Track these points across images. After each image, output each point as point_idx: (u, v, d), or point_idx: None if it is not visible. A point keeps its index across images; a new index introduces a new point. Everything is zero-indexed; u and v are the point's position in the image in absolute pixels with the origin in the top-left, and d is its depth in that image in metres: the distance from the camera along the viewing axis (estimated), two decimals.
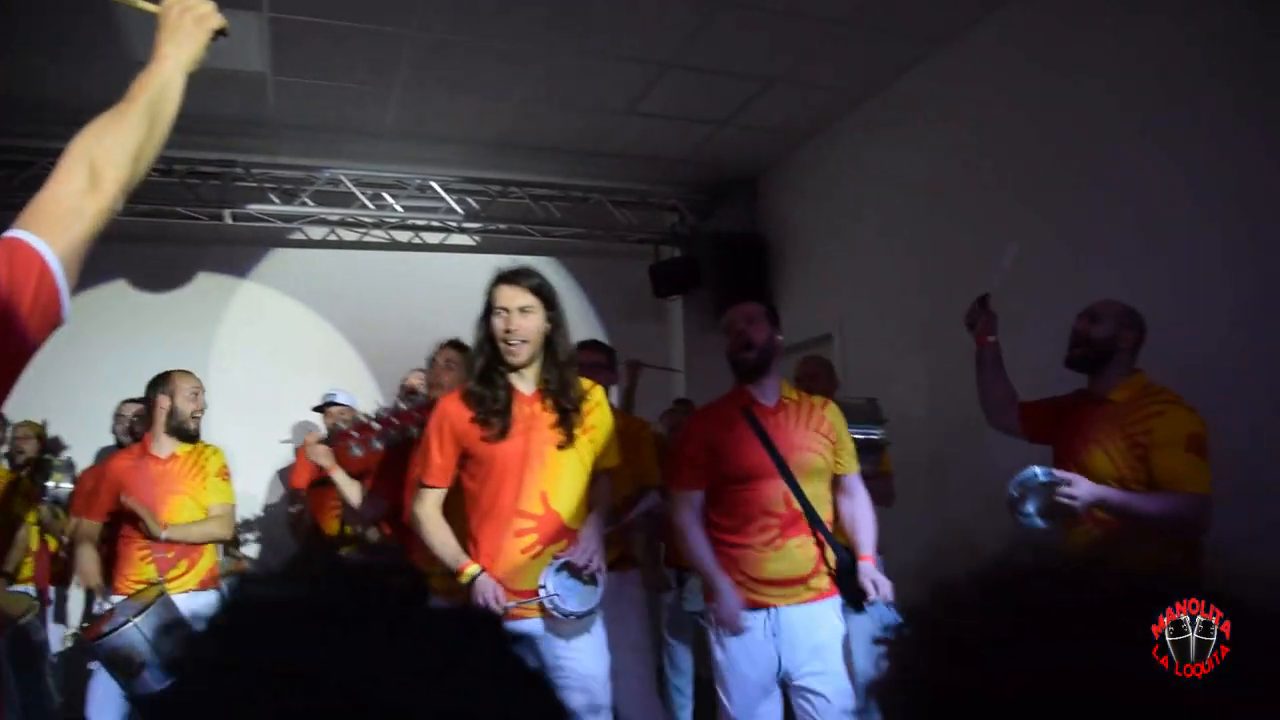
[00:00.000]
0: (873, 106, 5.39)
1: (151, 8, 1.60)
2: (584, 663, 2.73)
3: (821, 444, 3.00)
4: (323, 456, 3.51)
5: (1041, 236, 4.11)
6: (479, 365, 2.75)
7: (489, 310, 2.74)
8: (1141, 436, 2.65)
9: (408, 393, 4.58)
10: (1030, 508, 2.61)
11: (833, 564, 2.93)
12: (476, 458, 2.74)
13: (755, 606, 2.89)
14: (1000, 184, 4.39)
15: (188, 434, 3.98)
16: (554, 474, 2.74)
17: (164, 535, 3.80)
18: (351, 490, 3.56)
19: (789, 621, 2.88)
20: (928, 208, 4.92)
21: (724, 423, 3.02)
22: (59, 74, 4.67)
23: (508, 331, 2.69)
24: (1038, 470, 2.61)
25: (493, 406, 2.70)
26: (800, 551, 2.91)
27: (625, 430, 3.75)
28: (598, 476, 2.85)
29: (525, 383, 2.76)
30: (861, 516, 3.05)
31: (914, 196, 5.03)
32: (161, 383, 3.99)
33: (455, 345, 3.59)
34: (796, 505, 2.92)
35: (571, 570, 2.66)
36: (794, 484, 2.92)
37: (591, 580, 2.69)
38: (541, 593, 2.60)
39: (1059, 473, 2.61)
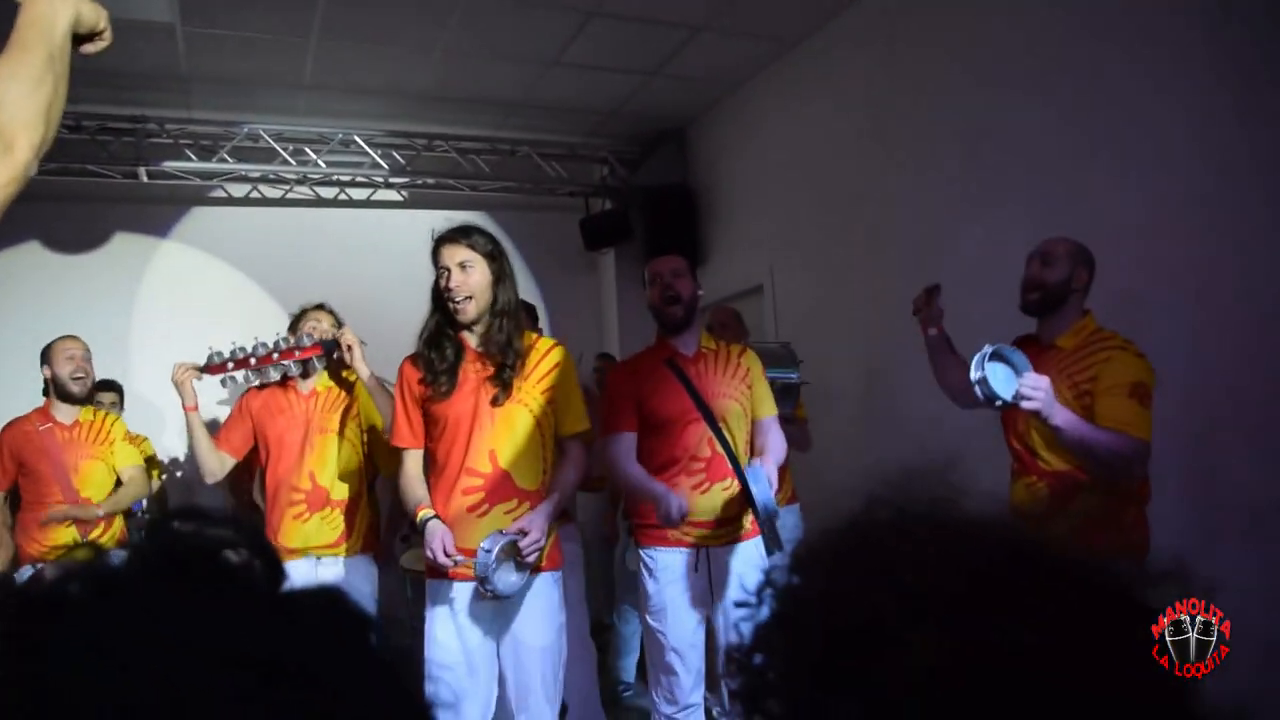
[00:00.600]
0: (801, 54, 5.41)
1: None
2: (530, 636, 2.77)
3: (740, 390, 3.13)
4: (186, 389, 3.42)
5: (971, 181, 4.19)
6: (429, 327, 2.79)
7: (436, 270, 2.77)
8: (1087, 384, 2.65)
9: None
10: (993, 385, 2.50)
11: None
12: (431, 417, 2.79)
13: (685, 546, 3.03)
14: (929, 130, 4.45)
15: (72, 397, 4.02)
16: (501, 431, 2.74)
17: (100, 513, 3.88)
18: (200, 436, 3.48)
19: (718, 559, 3.04)
20: (857, 155, 4.96)
21: (647, 374, 3.13)
22: None
23: (449, 289, 2.70)
24: (1006, 351, 2.54)
25: (438, 366, 2.74)
26: (726, 494, 3.04)
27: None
28: (564, 442, 2.85)
29: (475, 339, 2.78)
30: (771, 445, 3.12)
31: (843, 144, 5.07)
32: (43, 354, 4.05)
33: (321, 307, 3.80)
34: (719, 449, 3.05)
35: (514, 551, 2.65)
36: (716, 428, 3.06)
37: (524, 568, 2.68)
38: (480, 554, 2.56)
39: (1021, 361, 2.54)
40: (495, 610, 2.74)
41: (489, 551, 2.55)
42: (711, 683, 3.64)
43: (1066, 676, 0.49)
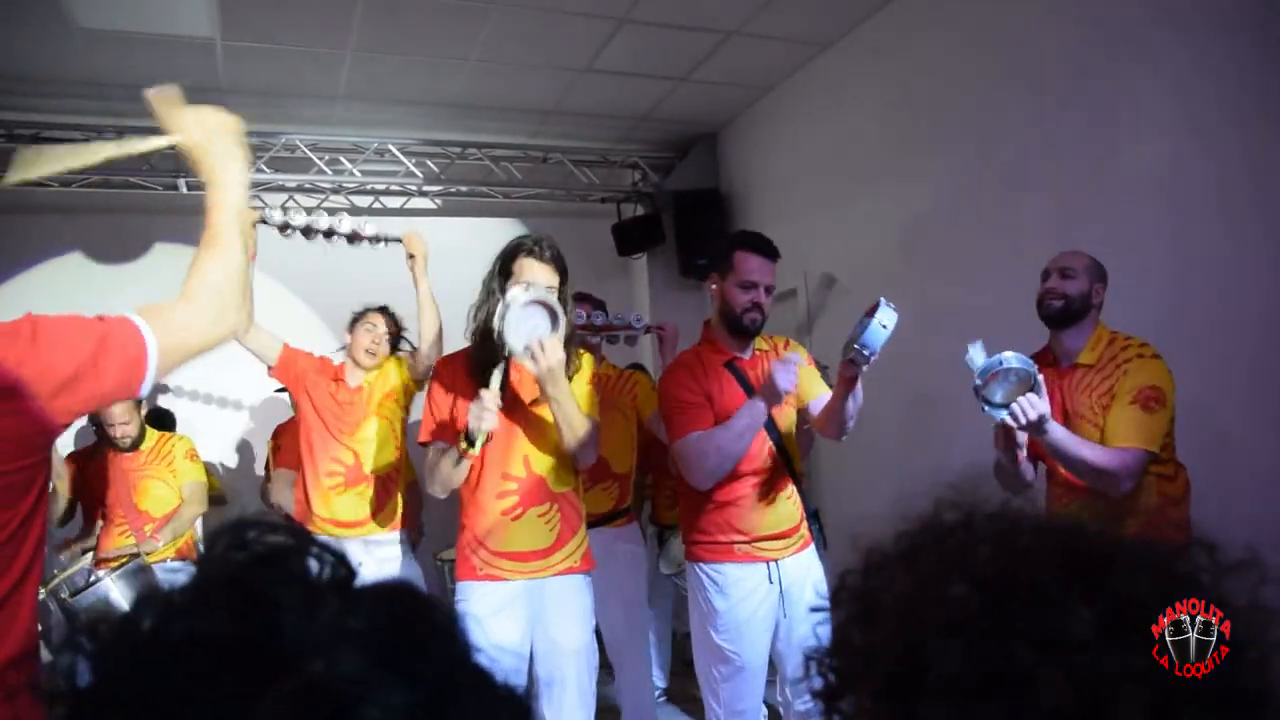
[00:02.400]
0: (832, 56, 5.38)
1: (171, 139, 1.67)
2: (563, 637, 2.76)
3: (790, 399, 3.00)
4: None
5: (1005, 185, 4.16)
6: (482, 327, 2.71)
7: (505, 275, 2.71)
8: (1109, 400, 2.64)
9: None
10: (997, 396, 2.49)
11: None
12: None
13: (756, 560, 2.91)
14: (963, 132, 4.42)
15: (118, 449, 4.25)
16: (535, 436, 2.75)
17: (160, 543, 4.05)
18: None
19: (787, 572, 2.94)
20: (890, 157, 4.93)
21: (710, 374, 2.96)
22: (3, 44, 4.55)
23: None
24: (1009, 357, 2.49)
25: (490, 371, 2.67)
26: (789, 503, 2.97)
27: (619, 383, 3.86)
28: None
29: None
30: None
31: (876, 146, 5.04)
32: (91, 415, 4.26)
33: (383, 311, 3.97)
34: (780, 458, 2.95)
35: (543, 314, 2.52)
36: (777, 437, 2.95)
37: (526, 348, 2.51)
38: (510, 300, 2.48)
39: (1030, 370, 2.47)
40: (529, 612, 2.72)
41: (514, 301, 2.47)
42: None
43: (1146, 667, 0.50)
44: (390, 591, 0.51)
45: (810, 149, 5.65)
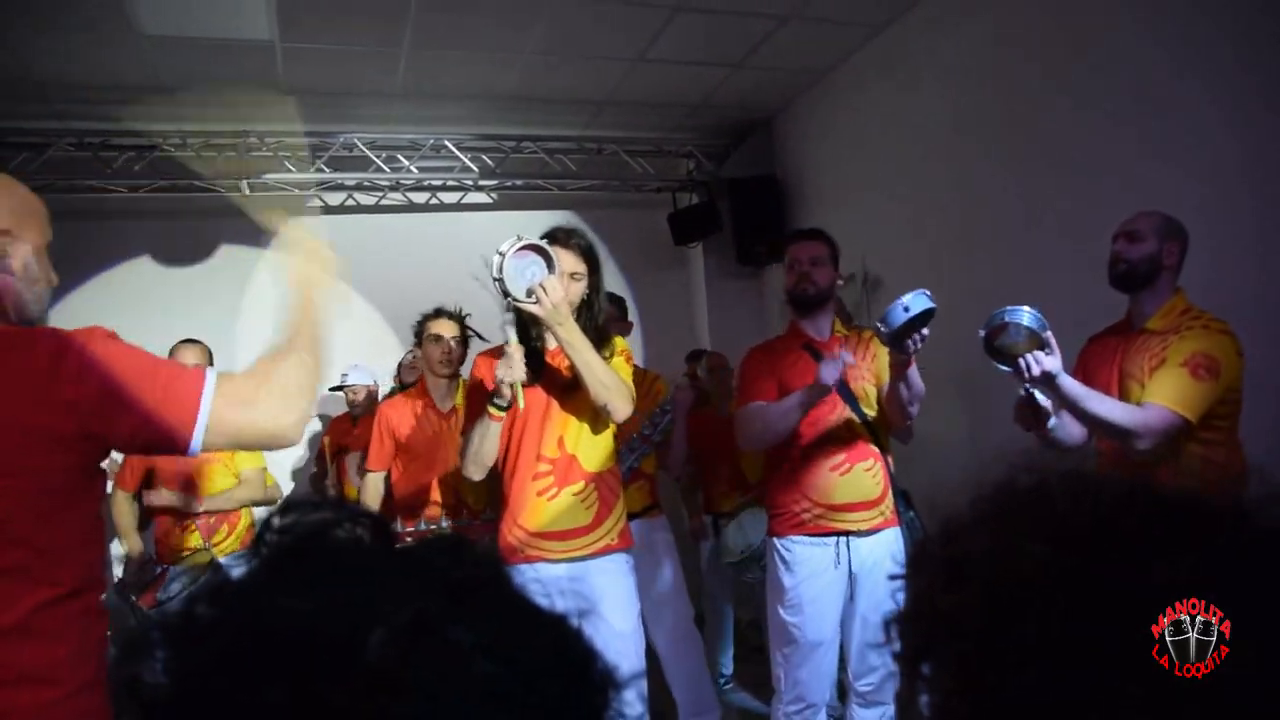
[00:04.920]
0: (887, 39, 5.29)
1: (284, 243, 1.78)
2: (614, 619, 2.77)
3: (871, 375, 3.11)
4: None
5: (1063, 166, 4.06)
6: (519, 319, 2.76)
7: None
8: (1160, 361, 2.51)
9: (409, 369, 4.81)
10: (999, 342, 2.47)
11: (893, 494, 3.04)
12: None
13: (827, 533, 2.95)
14: (1022, 114, 4.31)
15: None
16: (570, 418, 2.79)
17: (201, 508, 4.02)
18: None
19: (859, 553, 2.96)
20: (948, 141, 4.84)
21: (785, 357, 3.09)
22: (71, 54, 4.67)
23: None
24: (1024, 313, 2.45)
25: (527, 359, 2.74)
26: (870, 475, 2.99)
27: (640, 383, 3.89)
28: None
29: (553, 338, 2.80)
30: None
31: (934, 130, 4.95)
32: None
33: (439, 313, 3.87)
34: (861, 430, 3.00)
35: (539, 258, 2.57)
36: (858, 409, 3.01)
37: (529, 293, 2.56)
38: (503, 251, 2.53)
39: (1039, 327, 2.43)
40: (575, 595, 2.72)
41: (507, 250, 2.53)
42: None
43: (1223, 614, 0.51)
44: (435, 545, 0.53)
45: (867, 133, 5.57)
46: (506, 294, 2.54)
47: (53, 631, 1.38)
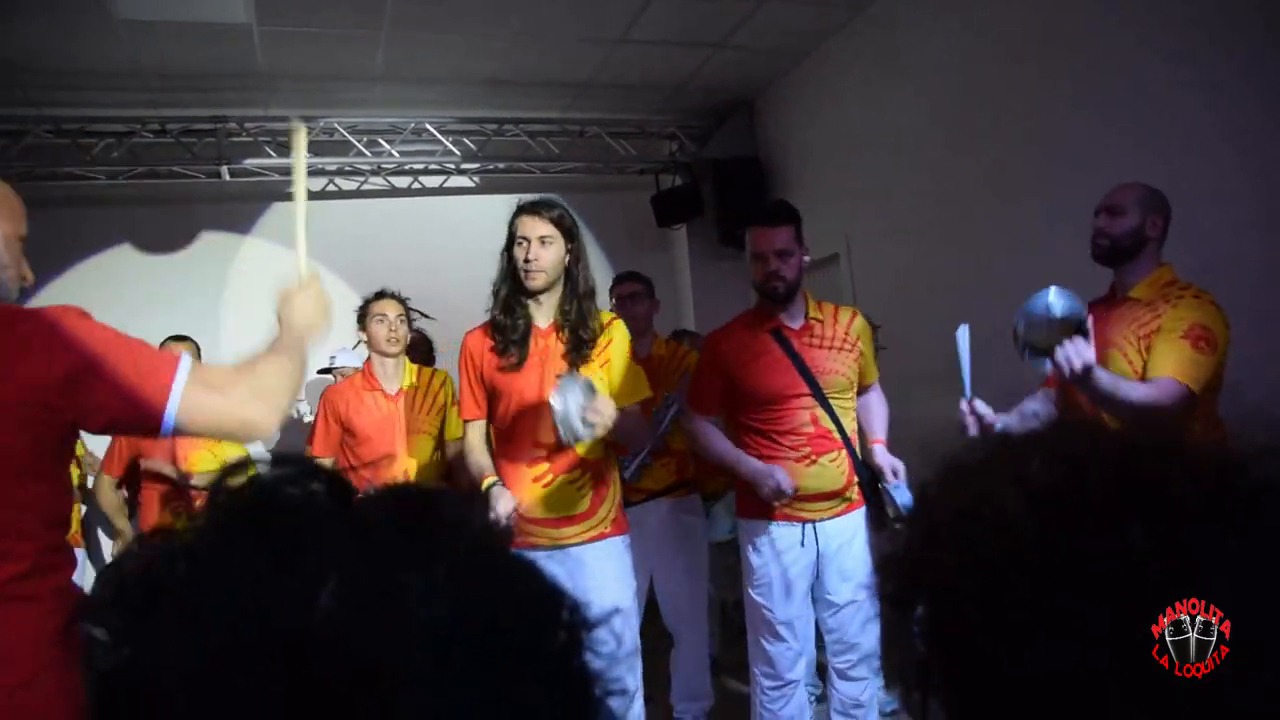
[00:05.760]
0: (869, 19, 5.29)
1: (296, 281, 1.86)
2: (610, 595, 2.76)
3: (847, 363, 3.05)
4: None
5: (1046, 146, 4.07)
6: (502, 294, 2.81)
7: (511, 240, 2.79)
8: (1151, 333, 2.51)
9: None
10: (1033, 337, 2.43)
11: (859, 478, 3.03)
12: (496, 389, 2.81)
13: (793, 520, 2.97)
14: (1004, 95, 4.32)
15: None
16: None
17: (194, 481, 4.05)
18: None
19: (825, 534, 2.99)
20: (929, 120, 4.85)
21: (749, 346, 3.03)
22: (47, 39, 4.62)
23: (527, 261, 2.73)
24: (1051, 300, 2.39)
25: (511, 336, 2.77)
26: (834, 466, 2.98)
27: (671, 358, 3.86)
28: (625, 409, 2.79)
29: (542, 315, 2.82)
30: (875, 407, 3.18)
31: (914, 108, 4.96)
32: None
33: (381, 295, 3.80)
34: (826, 423, 2.98)
35: (586, 396, 2.58)
36: (826, 404, 2.98)
37: (589, 425, 2.56)
38: (556, 401, 2.55)
39: (1074, 312, 2.38)
40: (567, 575, 2.75)
41: (564, 399, 2.54)
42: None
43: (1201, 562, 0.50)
44: (392, 494, 0.52)
45: (850, 114, 5.57)
46: (576, 438, 2.55)
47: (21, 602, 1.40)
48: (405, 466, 3.65)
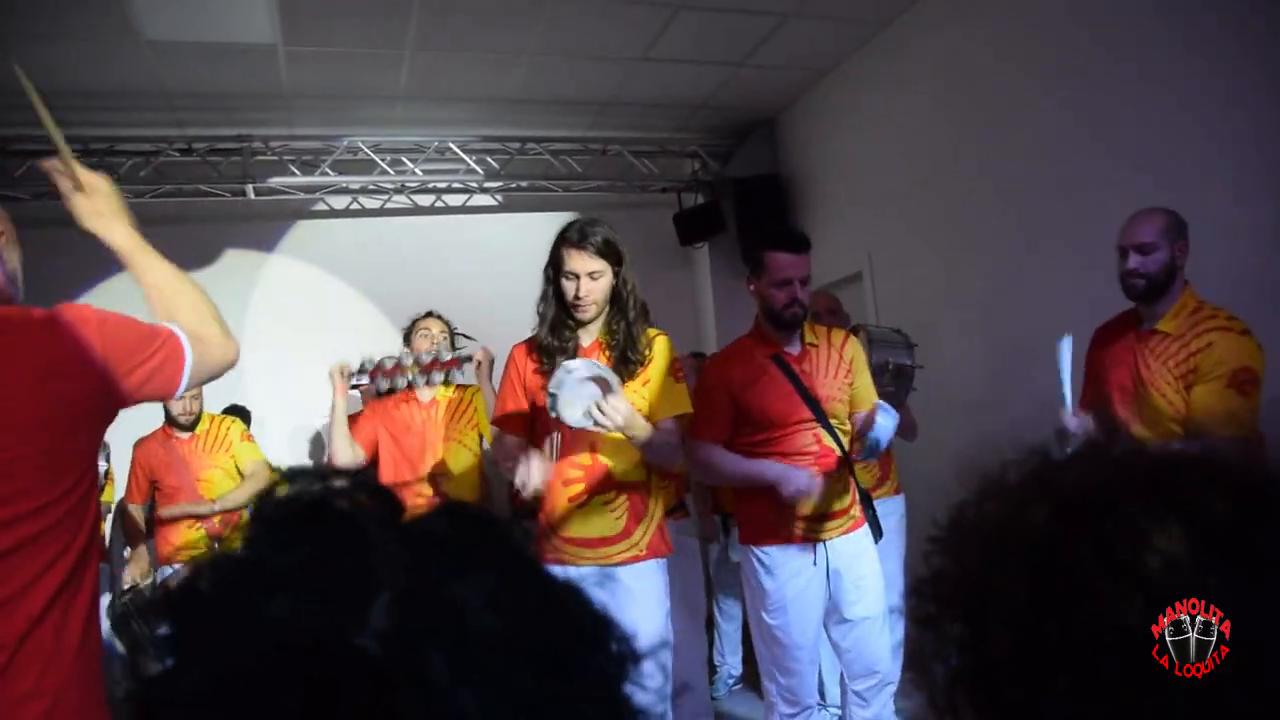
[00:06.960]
0: (890, 36, 5.28)
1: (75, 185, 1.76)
2: (648, 620, 2.73)
3: (842, 388, 3.05)
4: (339, 382, 3.59)
5: (1071, 160, 4.04)
6: (549, 317, 2.77)
7: (557, 269, 2.74)
8: (1189, 374, 2.50)
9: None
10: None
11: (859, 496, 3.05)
12: (536, 406, 2.77)
13: (805, 541, 2.95)
14: (1027, 109, 4.29)
15: (181, 428, 4.34)
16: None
17: (214, 509, 4.09)
18: (340, 422, 3.59)
19: (835, 551, 2.97)
20: (951, 136, 4.83)
21: (750, 370, 3.02)
22: (75, 60, 4.67)
23: (578, 297, 2.70)
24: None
25: (560, 358, 2.71)
26: (839, 484, 2.98)
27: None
28: (659, 424, 2.76)
29: (586, 334, 2.79)
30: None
31: (935, 127, 4.94)
32: None
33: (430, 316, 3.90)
34: (829, 442, 2.98)
35: (600, 389, 2.56)
36: (828, 426, 2.98)
37: (587, 415, 2.57)
38: (562, 371, 2.56)
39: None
40: (605, 597, 2.71)
41: (570, 371, 2.54)
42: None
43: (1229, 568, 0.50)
44: (442, 511, 0.52)
45: (871, 130, 5.56)
46: (553, 411, 2.55)
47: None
48: (440, 471, 3.67)
